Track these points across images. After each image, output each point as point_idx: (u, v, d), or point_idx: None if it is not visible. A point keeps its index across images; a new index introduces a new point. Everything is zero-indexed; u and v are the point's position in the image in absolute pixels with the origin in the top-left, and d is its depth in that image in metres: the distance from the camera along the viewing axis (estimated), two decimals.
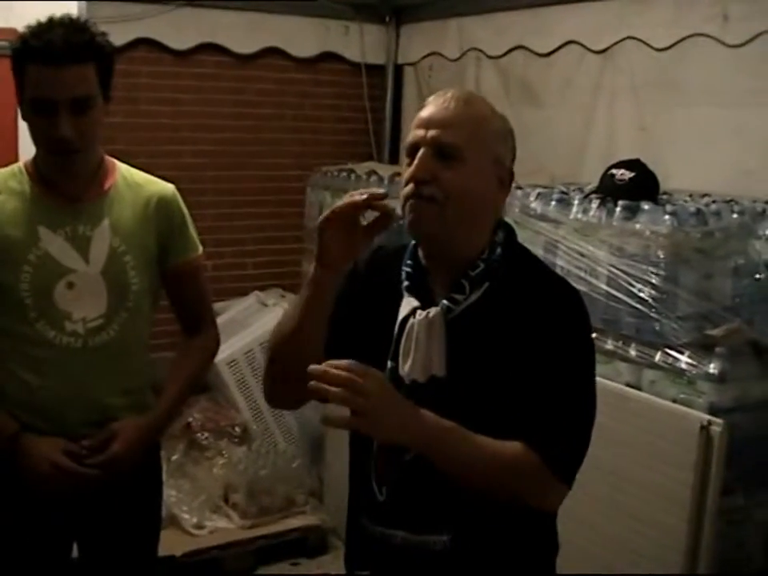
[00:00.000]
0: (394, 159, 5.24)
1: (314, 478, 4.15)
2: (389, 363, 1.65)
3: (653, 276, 2.58)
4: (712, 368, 2.48)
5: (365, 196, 1.54)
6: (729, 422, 2.39)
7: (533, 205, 2.98)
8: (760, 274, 2.62)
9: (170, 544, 3.44)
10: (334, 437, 3.77)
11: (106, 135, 2.13)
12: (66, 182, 2.09)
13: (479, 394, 1.59)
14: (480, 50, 4.58)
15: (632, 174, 2.87)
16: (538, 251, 2.74)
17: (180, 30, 4.55)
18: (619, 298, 2.66)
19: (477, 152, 1.60)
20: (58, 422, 2.08)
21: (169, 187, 2.24)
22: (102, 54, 2.00)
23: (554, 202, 2.94)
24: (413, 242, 1.72)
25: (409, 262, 1.70)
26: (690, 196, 3.05)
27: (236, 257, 4.97)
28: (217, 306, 4.24)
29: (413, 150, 1.62)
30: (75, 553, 2.27)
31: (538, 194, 3.01)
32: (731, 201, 2.91)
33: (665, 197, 2.95)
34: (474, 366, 1.61)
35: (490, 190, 1.64)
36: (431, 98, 1.66)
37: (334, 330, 1.65)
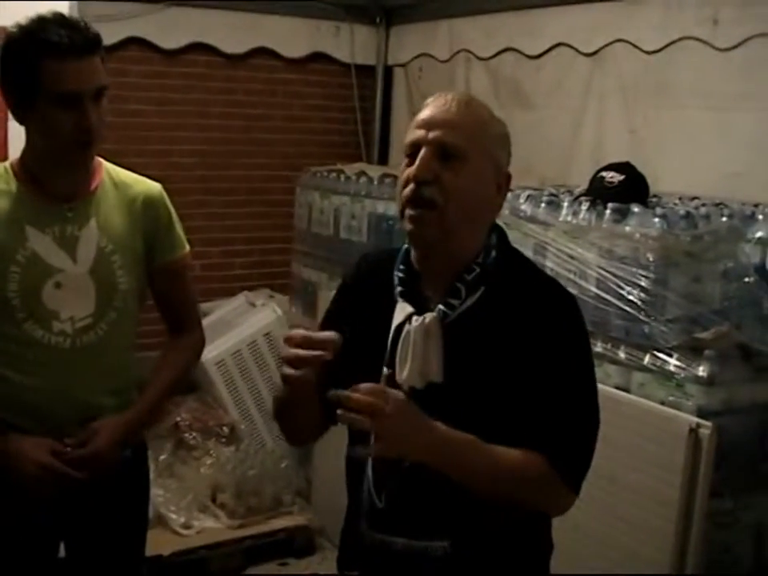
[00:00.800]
0: (383, 160, 5.26)
1: (302, 479, 4.15)
2: (384, 370, 1.64)
3: (642, 279, 2.58)
4: (701, 371, 2.48)
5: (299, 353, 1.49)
6: (717, 425, 2.39)
7: (522, 207, 2.98)
8: (749, 277, 2.62)
9: (158, 544, 3.43)
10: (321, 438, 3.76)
11: None
12: (60, 180, 2.06)
13: (478, 399, 1.58)
14: (470, 52, 4.59)
15: (622, 177, 2.87)
16: (528, 253, 2.74)
17: (170, 30, 4.55)
18: (608, 301, 2.66)
19: (478, 154, 1.59)
20: (45, 421, 2.06)
21: (155, 186, 2.23)
22: (102, 47, 2.01)
23: (543, 204, 2.94)
24: (404, 246, 1.71)
25: (401, 266, 1.69)
26: (680, 199, 3.06)
27: (225, 257, 4.97)
28: (205, 306, 4.24)
29: (413, 150, 1.60)
30: (62, 552, 2.25)
31: (528, 196, 3.00)
32: (720, 204, 2.92)
33: (654, 200, 2.96)
34: (472, 371, 1.60)
35: (489, 193, 1.63)
36: (430, 100, 1.65)
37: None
